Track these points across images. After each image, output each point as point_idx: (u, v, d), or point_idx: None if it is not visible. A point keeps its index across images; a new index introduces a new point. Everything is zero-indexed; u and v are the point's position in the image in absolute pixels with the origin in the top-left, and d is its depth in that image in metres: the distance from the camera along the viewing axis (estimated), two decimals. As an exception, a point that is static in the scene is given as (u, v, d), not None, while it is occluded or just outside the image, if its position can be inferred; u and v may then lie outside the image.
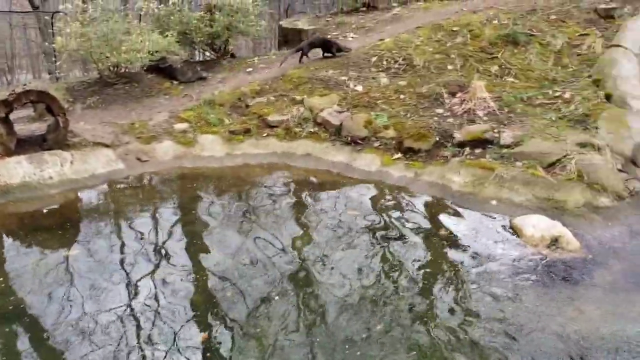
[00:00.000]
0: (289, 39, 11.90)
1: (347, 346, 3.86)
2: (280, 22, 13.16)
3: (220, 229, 5.74)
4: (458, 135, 7.13)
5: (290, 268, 4.96)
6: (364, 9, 12.51)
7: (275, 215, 6.04)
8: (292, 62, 9.62)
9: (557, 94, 7.93)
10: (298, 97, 8.24)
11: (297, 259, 5.13)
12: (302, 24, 12.06)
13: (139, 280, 4.76)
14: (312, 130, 7.75)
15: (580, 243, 5.33)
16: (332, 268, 4.94)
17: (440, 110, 7.83)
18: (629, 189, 6.28)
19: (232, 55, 11.05)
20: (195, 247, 5.40)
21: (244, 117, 8.10)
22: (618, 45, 8.76)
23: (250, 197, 6.61)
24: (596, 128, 6.99)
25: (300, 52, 9.42)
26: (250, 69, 9.64)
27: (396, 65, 8.89)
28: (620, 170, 6.49)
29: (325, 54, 9.51)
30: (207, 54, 11.52)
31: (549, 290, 4.70)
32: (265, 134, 7.79)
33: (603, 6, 10.19)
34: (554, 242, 5.29)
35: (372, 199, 6.47)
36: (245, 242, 5.42)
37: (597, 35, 9.31)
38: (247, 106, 8.29)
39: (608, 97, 7.63)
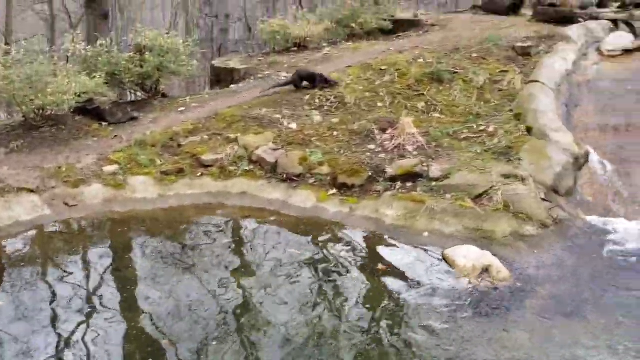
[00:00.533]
0: (221, 78, 11.95)
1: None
2: (213, 62, 13.20)
3: (155, 272, 5.59)
4: (390, 170, 7.31)
5: (230, 310, 4.89)
6: (295, 49, 12.75)
7: (212, 256, 5.94)
8: (226, 101, 9.66)
9: (482, 128, 8.31)
10: (232, 136, 8.24)
11: (238, 299, 5.07)
12: (234, 63, 12.15)
13: (70, 331, 4.56)
14: (247, 168, 7.74)
15: (509, 271, 5.54)
16: (274, 306, 4.89)
17: (372, 146, 8.02)
18: (553, 217, 6.60)
19: (164, 95, 10.95)
20: (129, 293, 5.23)
21: (177, 157, 8.00)
22: (536, 81, 9.31)
23: (186, 238, 6.49)
24: (519, 160, 7.34)
25: (293, 85, 9.41)
26: (183, 109, 9.57)
27: (328, 103, 9.08)
28: (543, 200, 6.83)
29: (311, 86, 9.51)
30: (139, 94, 11.37)
31: (482, 319, 4.85)
32: (199, 174, 7.72)
33: (520, 44, 10.83)
34: (485, 271, 5.47)
35: (310, 235, 6.49)
36: (182, 285, 5.30)
37: (516, 72, 9.85)
38: (180, 146, 8.20)
39: (529, 130, 8.06)
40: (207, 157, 7.88)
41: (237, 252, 6.08)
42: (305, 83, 9.52)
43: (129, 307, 4.96)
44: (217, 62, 12.95)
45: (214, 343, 4.35)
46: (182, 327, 4.58)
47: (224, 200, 7.34)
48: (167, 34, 11.02)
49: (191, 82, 16.29)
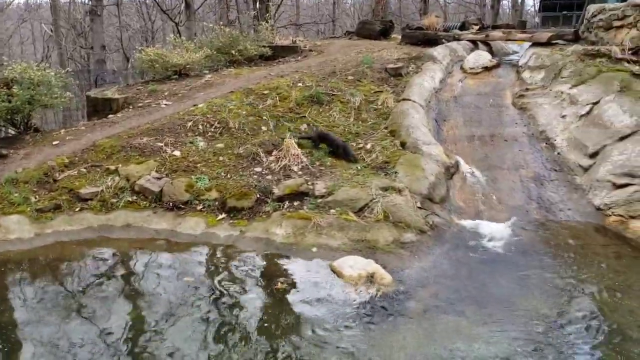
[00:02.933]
0: (98, 109, 11.54)
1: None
2: (88, 93, 12.73)
3: (35, 318, 5.25)
4: (277, 191, 7.48)
5: (123, 352, 4.71)
6: (176, 76, 12.66)
7: (98, 295, 5.70)
8: (104, 132, 9.37)
9: (360, 145, 8.74)
10: (112, 167, 8.00)
11: (131, 340, 4.89)
12: (111, 93, 11.79)
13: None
14: (130, 199, 7.54)
15: (393, 277, 5.88)
16: (171, 344, 4.78)
17: (258, 169, 8.15)
18: (429, 223, 7.08)
19: (37, 130, 10.39)
20: (8, 342, 4.89)
21: (53, 193, 7.62)
22: (407, 99, 9.98)
23: (68, 278, 6.16)
24: (396, 173, 7.81)
25: (312, 141, 8.76)
26: (58, 142, 9.15)
27: (212, 129, 9.11)
28: (419, 208, 7.31)
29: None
30: (9, 130, 10.70)
31: (369, 323, 5.09)
32: (78, 209, 7.40)
33: (392, 66, 11.55)
34: (370, 278, 5.76)
35: (202, 261, 6.46)
36: (67, 330, 5.02)
37: (389, 92, 10.49)
38: (56, 181, 7.83)
39: (403, 145, 8.60)
40: (85, 190, 7.58)
41: (126, 288, 5.88)
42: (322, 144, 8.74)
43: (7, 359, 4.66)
44: (93, 93, 12.50)
45: None
46: None
47: (108, 234, 7.09)
48: (38, 66, 10.52)
49: (67, 116, 15.53)
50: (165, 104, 10.67)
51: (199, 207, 7.37)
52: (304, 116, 9.57)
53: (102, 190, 7.64)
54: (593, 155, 8.08)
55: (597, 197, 7.63)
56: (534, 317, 5.24)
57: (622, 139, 7.89)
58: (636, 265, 6.38)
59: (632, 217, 7.10)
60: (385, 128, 9.30)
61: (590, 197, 7.72)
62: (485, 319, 5.23)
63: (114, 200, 7.56)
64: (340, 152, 8.52)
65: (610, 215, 7.38)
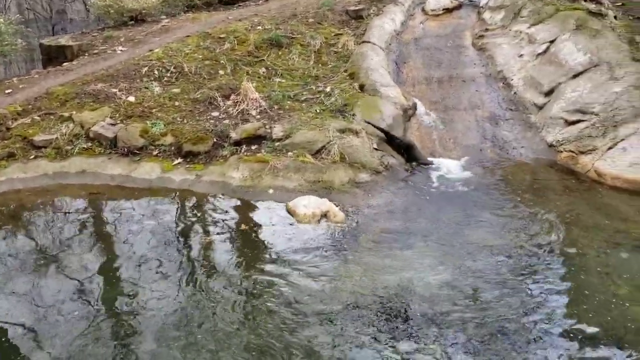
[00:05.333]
0: (52, 56, 11.19)
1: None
2: (42, 41, 12.29)
3: (3, 270, 5.21)
4: (234, 135, 7.44)
5: (94, 300, 4.72)
6: (132, 22, 12.28)
7: (58, 241, 5.67)
8: (58, 79, 9.13)
9: (320, 88, 8.69)
10: (66, 114, 7.84)
11: (100, 288, 4.89)
12: (65, 40, 11.41)
13: None
14: (85, 146, 7.44)
15: (346, 214, 5.98)
16: (145, 289, 4.79)
17: (216, 113, 8.08)
18: (384, 164, 7.16)
19: (-12, 79, 10.10)
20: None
21: (6, 141, 7.47)
22: (367, 42, 9.88)
23: (27, 226, 6.10)
24: (353, 115, 7.82)
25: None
26: (10, 90, 8.89)
27: (168, 74, 8.94)
28: (376, 149, 7.37)
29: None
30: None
31: (323, 257, 5.21)
32: (32, 156, 7.28)
33: (352, 8, 11.37)
34: (324, 216, 5.85)
35: (160, 206, 6.44)
36: (38, 283, 4.95)
37: (349, 34, 10.36)
38: (9, 129, 7.65)
39: (362, 87, 8.58)
40: (39, 138, 7.45)
41: (88, 232, 5.86)
42: None
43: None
44: (47, 41, 12.08)
45: (90, 346, 4.19)
46: (47, 330, 4.31)
47: (63, 181, 7.02)
48: (-14, 13, 10.11)
49: (20, 62, 15.03)
50: (121, 50, 10.40)
51: (154, 153, 7.31)
52: (263, 60, 9.44)
53: (56, 138, 7.51)
54: (548, 94, 8.19)
55: (550, 135, 7.78)
56: (481, 248, 5.41)
57: (575, 76, 7.99)
58: (584, 197, 6.59)
59: (582, 153, 7.28)
60: (345, 71, 9.24)
61: (543, 135, 7.87)
62: (433, 251, 5.39)
63: (69, 147, 7.45)
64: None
65: (561, 152, 7.55)
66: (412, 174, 7.20)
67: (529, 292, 4.69)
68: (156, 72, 8.98)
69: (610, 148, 7.05)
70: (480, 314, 4.37)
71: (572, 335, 4.13)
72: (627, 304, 4.45)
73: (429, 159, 7.59)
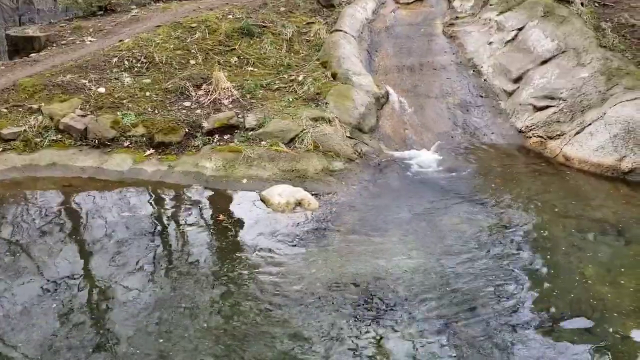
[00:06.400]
0: (19, 48, 10.95)
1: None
2: (8, 32, 12.01)
3: None
4: (206, 125, 7.41)
5: (71, 292, 4.67)
6: (102, 12, 12.08)
7: (30, 235, 5.57)
8: (26, 71, 8.95)
9: (292, 77, 8.69)
10: (35, 106, 7.69)
11: (76, 281, 4.83)
12: (32, 31, 11.16)
13: None
14: (54, 138, 7.32)
15: (320, 202, 6.02)
16: (120, 281, 4.74)
17: (187, 103, 8.02)
18: (358, 152, 7.22)
19: (-48, 72, 9.83)
20: None
21: (-27, 135, 7.33)
22: (339, 30, 9.90)
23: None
24: (326, 103, 7.85)
25: None
26: (-25, 83, 8.71)
27: (138, 64, 8.83)
28: (349, 137, 7.41)
29: None
30: None
31: (300, 246, 5.25)
32: (0, 150, 7.15)
33: (319, -4, 11.34)
34: (298, 205, 5.88)
35: (133, 198, 6.38)
36: (9, 277, 4.81)
37: (321, 23, 10.37)
38: (-25, 123, 7.51)
39: (334, 76, 8.60)
40: (7, 130, 7.29)
41: (62, 226, 5.77)
42: None
43: None
44: (13, 32, 11.82)
45: (65, 342, 4.16)
46: (24, 328, 4.27)
47: (33, 174, 6.90)
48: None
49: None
50: (90, 41, 10.24)
51: (125, 144, 7.23)
52: (235, 49, 9.39)
53: (24, 130, 7.37)
54: (517, 80, 8.33)
55: (520, 120, 7.92)
56: (453, 233, 5.50)
57: (543, 63, 8.14)
58: (553, 181, 6.74)
59: (550, 138, 7.44)
60: (318, 60, 9.24)
61: (513, 121, 8.01)
62: (406, 236, 5.46)
63: (38, 140, 7.32)
64: None
65: (531, 137, 7.70)
66: (385, 162, 7.26)
67: (500, 273, 4.79)
68: (126, 62, 8.86)
69: (577, 133, 7.22)
70: (452, 295, 4.46)
71: (540, 314, 4.25)
72: (592, 283, 4.59)
73: (402, 148, 7.67)
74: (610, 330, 4.02)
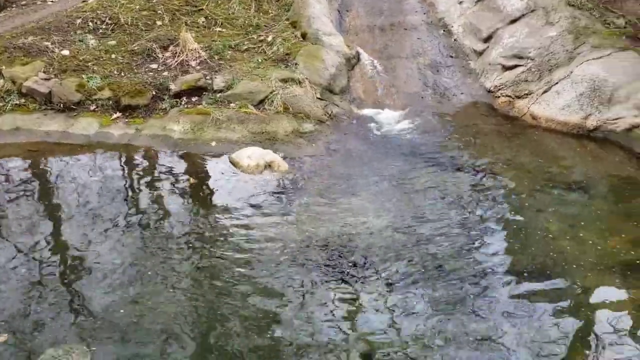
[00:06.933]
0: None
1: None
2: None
3: None
4: (174, 87, 7.29)
5: (43, 257, 4.60)
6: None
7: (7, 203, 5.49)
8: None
9: (261, 38, 8.55)
10: (-5, 70, 7.48)
11: (48, 244, 4.76)
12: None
13: None
14: (17, 102, 7.11)
15: (290, 164, 6.03)
16: (94, 245, 4.70)
17: (154, 65, 7.86)
18: (328, 113, 7.20)
19: None
20: None
21: None
22: (309, -11, 9.69)
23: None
24: (296, 64, 7.75)
25: None
26: None
27: (103, 26, 8.58)
28: (319, 99, 7.38)
29: None
30: None
31: (271, 208, 5.28)
32: (-39, 115, 6.96)
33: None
34: (268, 167, 5.88)
35: (101, 161, 6.28)
36: None
37: (291, -18, 10.13)
38: None
39: (304, 36, 8.48)
40: (-33, 95, 7.09)
41: (31, 191, 5.65)
42: None
43: None
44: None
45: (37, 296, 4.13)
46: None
47: (-4, 139, 6.75)
48: None
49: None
50: (52, 1, 9.90)
51: (92, 107, 7.08)
52: (202, 9, 9.16)
53: (-15, 94, 7.17)
54: (486, 40, 8.33)
55: (489, 80, 7.96)
56: (422, 192, 5.58)
57: (512, 22, 8.14)
58: (520, 140, 6.85)
59: (518, 97, 7.50)
60: (287, 19, 9.08)
61: (482, 81, 8.05)
62: (376, 196, 5.52)
63: (0, 104, 7.13)
64: None
65: (499, 97, 7.76)
66: (356, 123, 7.26)
67: (468, 231, 4.90)
68: (90, 24, 8.60)
69: (545, 92, 7.29)
70: (422, 253, 4.55)
71: (506, 268, 4.38)
72: (556, 238, 4.72)
73: (373, 109, 7.68)
74: (571, 283, 4.15)
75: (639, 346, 3.57)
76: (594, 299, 4.00)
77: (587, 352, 3.56)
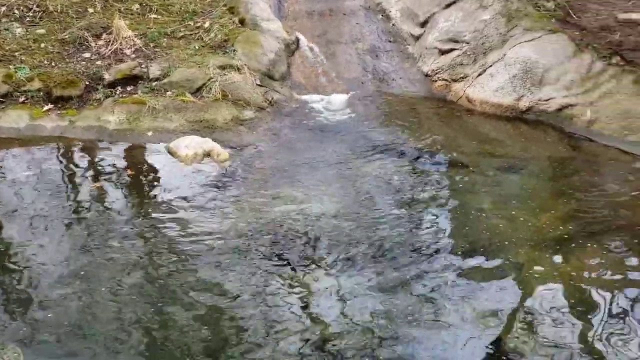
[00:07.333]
0: None
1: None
2: None
3: None
4: (108, 76, 7.07)
5: None
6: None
7: None
8: None
9: (198, 24, 8.38)
10: None
11: None
12: None
13: None
14: (-62, 95, 6.77)
15: (231, 153, 5.97)
16: (30, 243, 4.51)
17: (87, 55, 7.59)
18: (268, 100, 7.16)
19: None
20: None
21: None
22: (247, -25, 9.55)
23: None
24: (234, 50, 7.64)
25: None
26: None
27: (31, 13, 8.20)
28: (259, 85, 7.31)
29: None
30: None
31: (211, 197, 5.21)
32: None
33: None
34: (207, 156, 5.80)
35: (35, 155, 6.05)
36: None
37: (228, -33, 9.96)
38: None
39: (242, 22, 8.36)
40: None
41: None
42: None
43: None
44: None
45: None
46: None
47: None
48: None
49: None
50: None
51: (21, 99, 6.78)
52: (136, -5, 8.91)
53: None
54: (423, 24, 8.44)
55: (426, 65, 8.09)
56: (364, 177, 5.63)
57: (448, 6, 8.27)
58: (457, 123, 7.03)
59: (454, 81, 7.66)
60: (225, 5, 8.91)
61: (420, 65, 8.17)
62: (319, 182, 5.53)
63: None
64: None
65: (437, 81, 7.91)
66: (297, 109, 7.25)
67: (409, 214, 4.97)
68: (17, 12, 8.20)
69: (479, 75, 7.47)
70: (366, 238, 4.57)
71: (445, 248, 4.46)
72: (490, 218, 4.87)
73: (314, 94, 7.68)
74: (505, 260, 4.29)
75: (571, 317, 3.72)
76: (527, 273, 4.14)
77: (523, 325, 3.69)
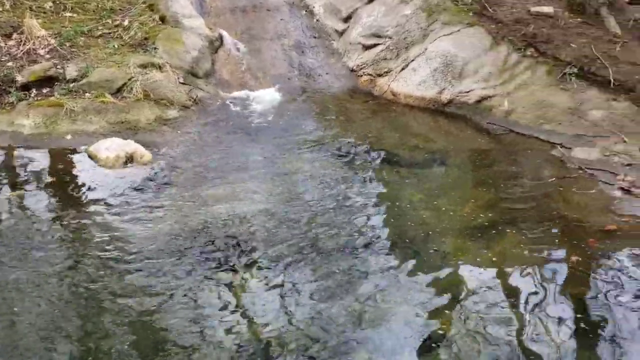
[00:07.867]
0: None
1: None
2: None
3: None
4: (21, 78, 6.72)
5: None
6: None
7: None
8: None
9: (117, 22, 8.09)
10: None
11: None
12: None
13: None
14: None
15: (154, 154, 5.81)
16: None
17: (-4, 56, 7.19)
18: (193, 98, 7.03)
19: None
20: None
21: None
22: (167, -29, 9.31)
23: None
24: (155, 49, 7.45)
25: None
26: None
27: None
28: (182, 83, 7.16)
29: None
30: None
31: (136, 201, 5.03)
32: None
33: None
34: (130, 158, 5.62)
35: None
36: None
37: (147, -37, 9.67)
38: None
39: (163, 19, 8.15)
40: None
41: None
42: None
43: None
44: None
45: None
46: None
47: None
48: None
49: None
50: None
51: None
52: (48, -8, 8.50)
53: None
54: (346, 20, 8.53)
55: (351, 60, 8.18)
56: (294, 175, 5.61)
57: (370, 1, 8.40)
58: (381, 115, 7.17)
59: (379, 75, 7.79)
60: (144, 2, 8.64)
61: (345, 60, 8.26)
62: (249, 182, 5.45)
63: None
64: None
65: (362, 76, 8.02)
66: (223, 107, 7.15)
67: (340, 210, 4.97)
68: None
69: (402, 69, 7.63)
70: (300, 235, 4.54)
71: (376, 242, 4.49)
72: (416, 209, 4.98)
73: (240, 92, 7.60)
74: (431, 249, 4.39)
75: (495, 299, 3.85)
76: (452, 261, 4.27)
77: (450, 311, 3.79)
